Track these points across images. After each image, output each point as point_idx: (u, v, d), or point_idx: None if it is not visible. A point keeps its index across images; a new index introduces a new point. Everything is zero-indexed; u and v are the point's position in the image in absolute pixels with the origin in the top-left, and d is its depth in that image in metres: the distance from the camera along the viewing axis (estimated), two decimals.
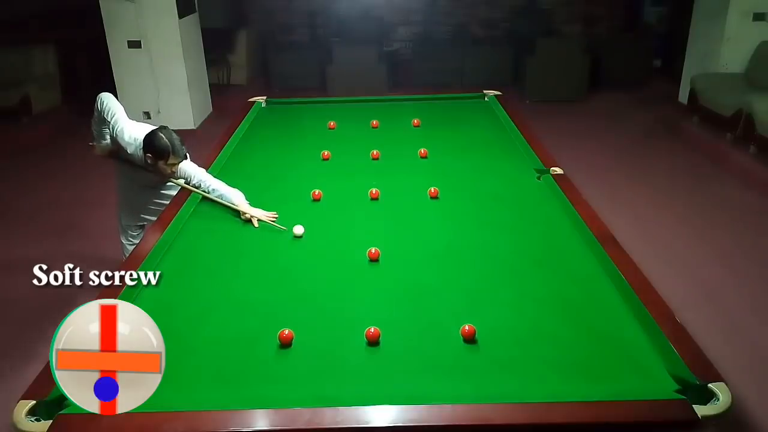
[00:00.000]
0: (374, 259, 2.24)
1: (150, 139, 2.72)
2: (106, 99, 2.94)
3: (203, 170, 2.85)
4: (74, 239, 4.31)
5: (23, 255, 4.02)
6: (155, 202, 3.14)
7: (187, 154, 2.81)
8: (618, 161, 5.75)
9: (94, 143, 3.13)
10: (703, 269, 3.84)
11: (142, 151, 2.81)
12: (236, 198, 2.67)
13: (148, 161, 2.78)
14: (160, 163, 2.74)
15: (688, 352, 1.64)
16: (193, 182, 2.80)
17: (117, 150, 3.01)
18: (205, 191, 2.76)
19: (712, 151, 5.81)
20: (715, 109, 6.03)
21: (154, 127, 2.79)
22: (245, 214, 2.59)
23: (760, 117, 5.26)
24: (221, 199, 2.71)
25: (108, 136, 3.02)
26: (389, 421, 1.46)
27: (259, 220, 2.57)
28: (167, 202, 2.85)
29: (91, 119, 3.05)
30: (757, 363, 3.00)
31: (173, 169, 2.78)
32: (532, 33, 8.01)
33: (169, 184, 3.02)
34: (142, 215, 3.24)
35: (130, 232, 3.33)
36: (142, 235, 3.23)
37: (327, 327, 1.87)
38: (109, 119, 2.91)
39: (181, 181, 2.83)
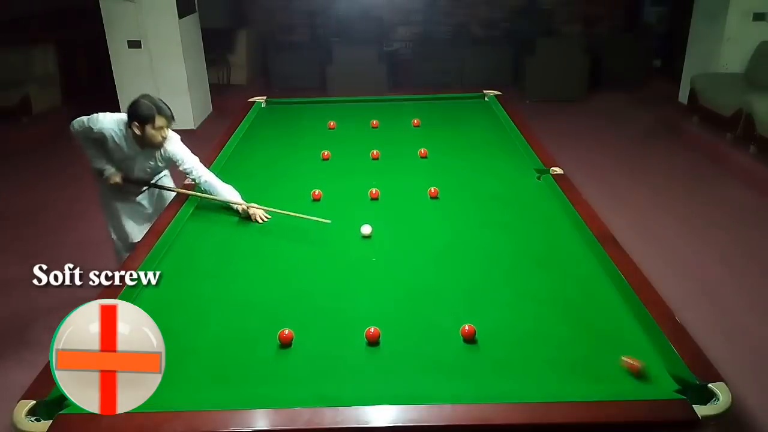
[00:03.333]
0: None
1: (133, 107, 2.68)
2: (77, 120, 2.84)
3: (197, 159, 2.80)
4: (74, 239, 4.30)
5: (23, 255, 4.02)
6: (140, 220, 3.11)
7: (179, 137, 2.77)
8: (618, 161, 5.75)
9: (102, 175, 2.96)
10: (703, 269, 3.84)
11: (127, 128, 2.74)
12: (230, 194, 2.66)
13: (136, 131, 2.70)
14: (148, 129, 2.67)
15: (688, 352, 1.64)
16: (185, 167, 2.75)
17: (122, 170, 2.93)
18: (194, 180, 2.72)
19: (712, 151, 5.80)
20: (715, 109, 6.02)
21: None
22: (245, 208, 2.59)
23: (760, 117, 5.25)
24: (211, 192, 2.68)
25: (103, 157, 2.91)
26: (389, 421, 1.47)
27: (259, 215, 2.58)
28: (150, 224, 2.75)
29: (82, 150, 2.93)
30: (757, 363, 3.00)
31: (163, 134, 2.71)
32: (532, 33, 8.00)
33: (157, 196, 2.96)
34: (131, 241, 3.12)
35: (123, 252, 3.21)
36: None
37: (327, 327, 1.87)
38: (87, 123, 2.81)
39: (171, 183, 2.78)
